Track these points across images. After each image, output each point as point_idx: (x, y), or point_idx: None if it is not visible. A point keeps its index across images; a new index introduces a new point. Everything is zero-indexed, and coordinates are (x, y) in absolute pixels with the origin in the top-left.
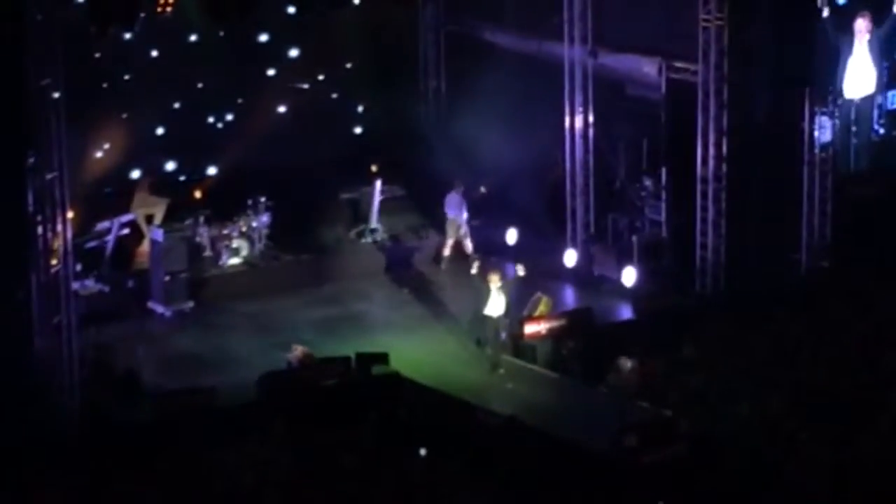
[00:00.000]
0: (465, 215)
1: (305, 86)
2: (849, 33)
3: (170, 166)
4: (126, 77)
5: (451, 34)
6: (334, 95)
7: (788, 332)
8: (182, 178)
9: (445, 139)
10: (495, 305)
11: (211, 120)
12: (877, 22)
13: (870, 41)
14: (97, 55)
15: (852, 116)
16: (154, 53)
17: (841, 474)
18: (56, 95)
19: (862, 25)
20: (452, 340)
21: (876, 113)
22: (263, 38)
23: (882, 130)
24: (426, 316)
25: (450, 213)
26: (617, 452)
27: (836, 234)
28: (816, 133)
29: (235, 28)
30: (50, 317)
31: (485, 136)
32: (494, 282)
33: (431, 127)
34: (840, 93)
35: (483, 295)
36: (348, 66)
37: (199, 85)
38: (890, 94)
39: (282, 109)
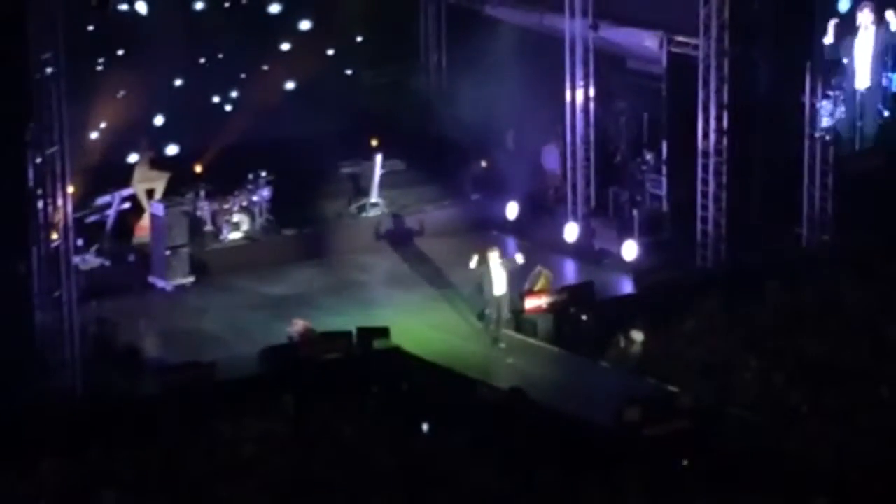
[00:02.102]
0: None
1: (349, 72)
2: (852, 28)
3: (171, 148)
4: (127, 51)
5: (452, 7)
6: (339, 69)
7: (789, 306)
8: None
9: (446, 113)
10: (497, 283)
11: (214, 96)
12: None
13: (875, 33)
14: (91, 28)
15: (857, 99)
16: (155, 27)
17: (843, 447)
18: (57, 69)
19: (865, 18)
20: (453, 315)
21: (880, 96)
22: (266, 11)
23: (886, 113)
24: (427, 290)
25: (548, 166)
26: (619, 427)
27: (837, 207)
28: (822, 116)
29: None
30: (51, 291)
31: (485, 110)
32: (494, 259)
33: (432, 101)
34: (843, 79)
35: (484, 273)
36: (349, 39)
37: (202, 60)
38: (894, 76)
39: (284, 85)
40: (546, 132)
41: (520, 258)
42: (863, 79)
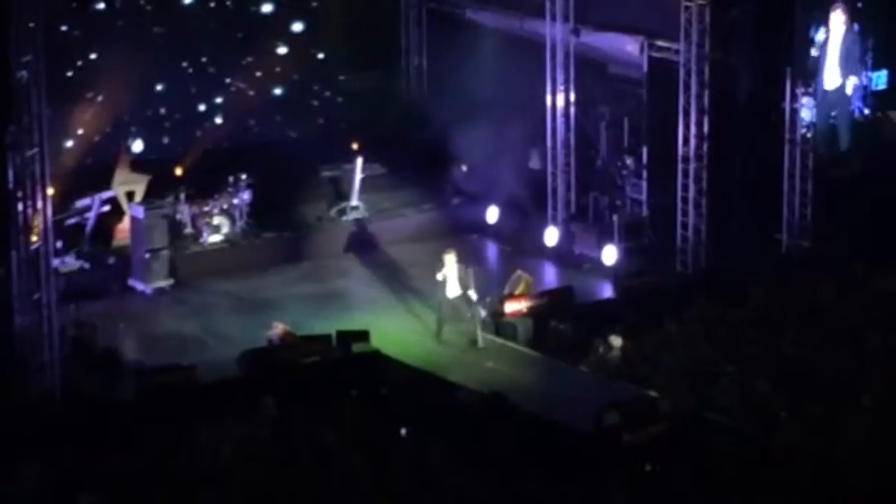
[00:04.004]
0: None
1: (330, 76)
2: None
3: (152, 151)
4: (108, 53)
5: (433, 12)
6: (320, 74)
7: (769, 311)
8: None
9: (426, 117)
10: (450, 285)
11: (195, 99)
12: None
13: (845, 33)
14: (71, 30)
15: (827, 100)
16: (136, 30)
17: (823, 454)
18: (36, 71)
19: (837, 19)
20: (433, 318)
21: (861, 94)
22: (248, 16)
23: (867, 111)
24: (407, 294)
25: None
26: (598, 431)
27: (817, 213)
28: (802, 113)
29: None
30: (30, 294)
31: (466, 114)
32: (450, 261)
33: (413, 104)
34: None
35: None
36: (330, 44)
37: (184, 63)
38: (874, 75)
39: (264, 89)
40: (526, 136)
41: (451, 258)
42: (832, 80)
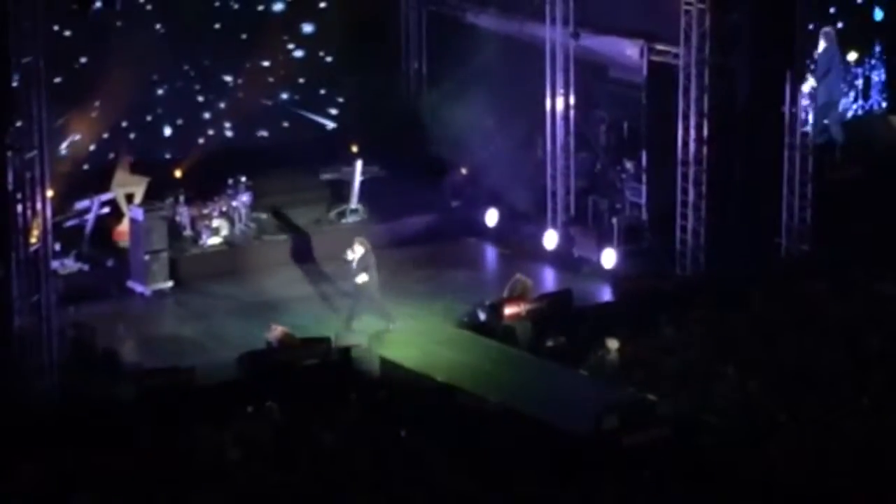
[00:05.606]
0: None
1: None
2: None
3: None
4: (108, 55)
5: (433, 14)
6: (319, 76)
7: (769, 315)
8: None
9: (426, 120)
10: (356, 273)
11: (195, 101)
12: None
13: (831, 53)
14: (71, 31)
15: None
16: (136, 31)
17: (822, 456)
18: (37, 73)
19: (825, 39)
20: (431, 321)
21: (880, 88)
22: (249, 19)
23: (885, 104)
24: (406, 297)
25: None
26: (597, 435)
27: (817, 216)
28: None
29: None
30: (29, 296)
31: (465, 117)
32: (357, 250)
33: (412, 108)
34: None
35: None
36: (330, 46)
37: (185, 67)
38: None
39: (265, 91)
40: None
41: (359, 247)
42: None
